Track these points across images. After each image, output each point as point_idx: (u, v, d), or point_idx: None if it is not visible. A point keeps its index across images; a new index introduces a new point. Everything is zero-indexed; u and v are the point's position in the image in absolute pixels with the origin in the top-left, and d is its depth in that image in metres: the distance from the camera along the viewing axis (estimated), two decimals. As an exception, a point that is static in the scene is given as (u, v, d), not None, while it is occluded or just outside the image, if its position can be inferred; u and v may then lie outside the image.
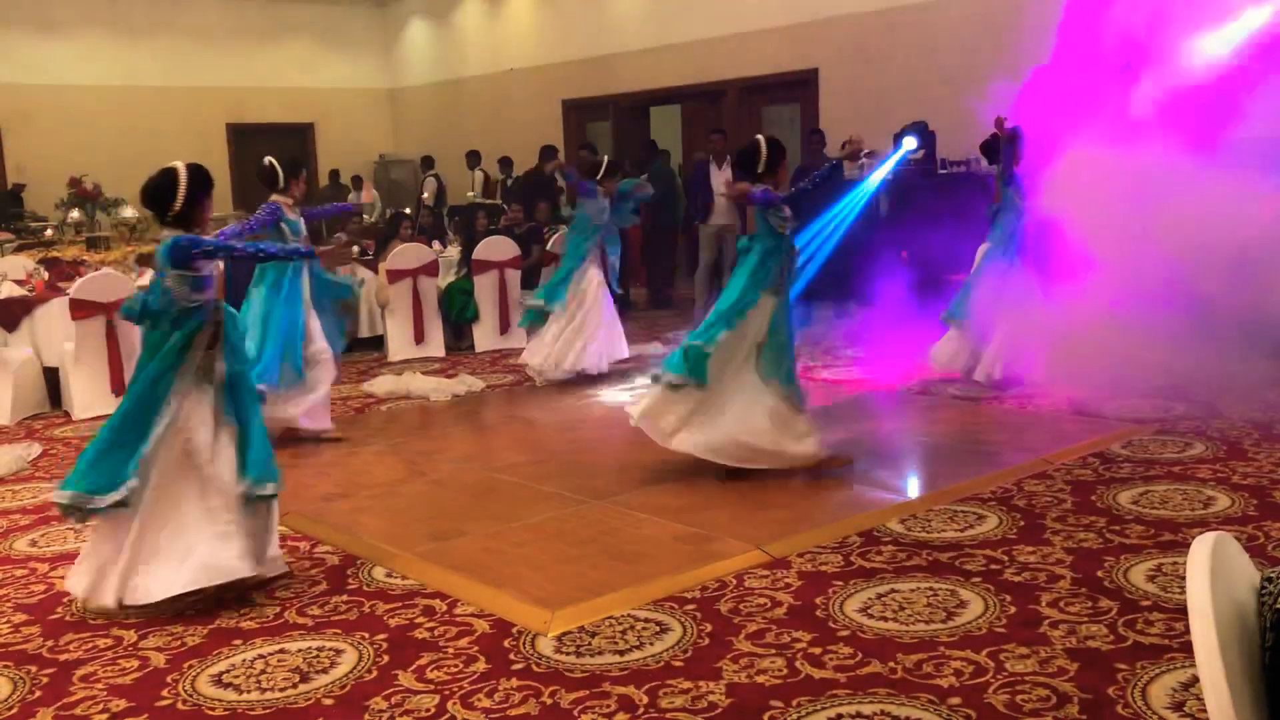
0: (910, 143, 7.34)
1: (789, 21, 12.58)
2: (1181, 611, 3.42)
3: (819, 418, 6.38)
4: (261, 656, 3.72)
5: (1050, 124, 6.73)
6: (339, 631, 3.89)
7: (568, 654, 3.62)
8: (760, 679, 3.38)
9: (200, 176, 4.30)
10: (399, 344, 9.55)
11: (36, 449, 6.72)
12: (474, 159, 15.24)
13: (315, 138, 17.64)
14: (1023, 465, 5.50)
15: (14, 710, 3.41)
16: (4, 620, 4.13)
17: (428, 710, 3.29)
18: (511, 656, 3.62)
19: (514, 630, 3.82)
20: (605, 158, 8.89)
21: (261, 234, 6.27)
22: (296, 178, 6.76)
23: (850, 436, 6.51)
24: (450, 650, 3.69)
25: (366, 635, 3.84)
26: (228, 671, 3.61)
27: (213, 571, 4.05)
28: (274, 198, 6.61)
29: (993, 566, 4.20)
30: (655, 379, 5.55)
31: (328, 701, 3.38)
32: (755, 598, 4.01)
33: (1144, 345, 6.42)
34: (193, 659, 3.72)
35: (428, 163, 16.33)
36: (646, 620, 3.86)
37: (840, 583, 4.11)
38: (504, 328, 9.94)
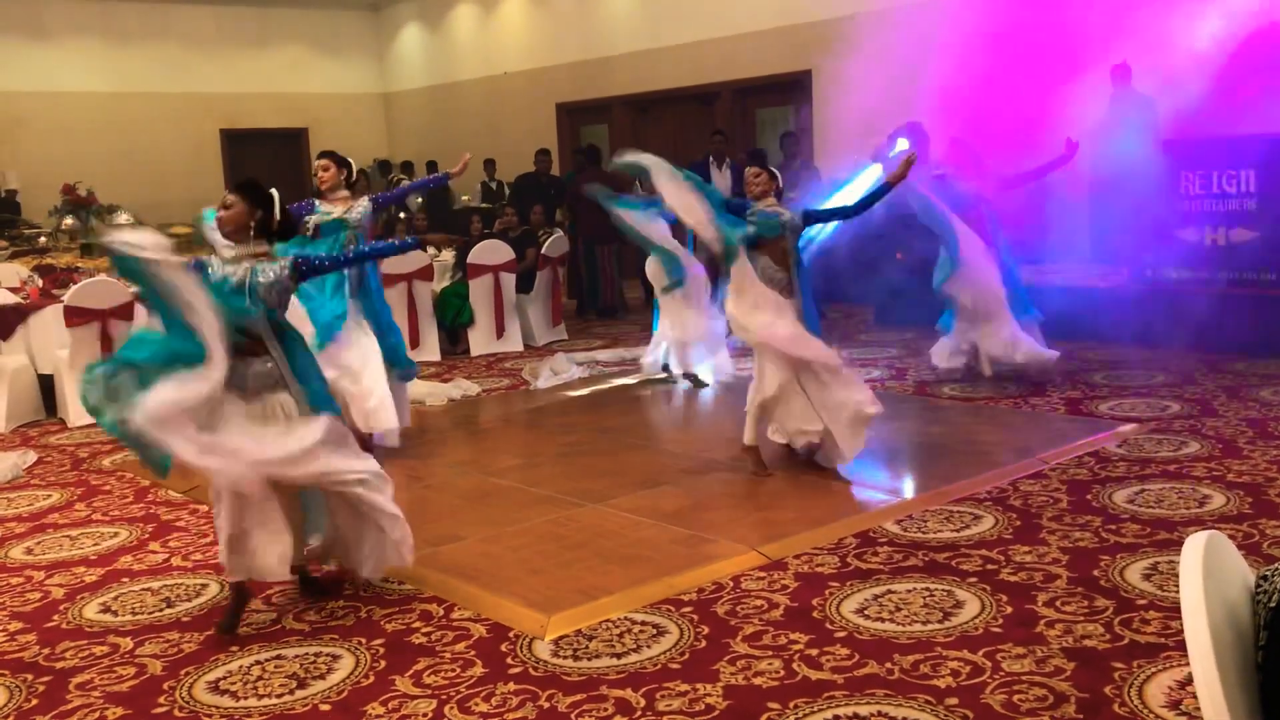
0: (903, 144, 7.33)
1: (782, 23, 12.59)
2: (1178, 610, 3.42)
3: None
4: (258, 662, 3.71)
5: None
6: (336, 637, 3.89)
7: (565, 657, 3.62)
8: (757, 681, 3.38)
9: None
10: (394, 349, 9.54)
11: (32, 456, 6.71)
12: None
13: (309, 143, 17.63)
14: (1018, 465, 5.50)
15: (10, 719, 3.40)
16: (0, 629, 4.12)
17: (425, 715, 3.29)
18: (509, 660, 3.62)
19: (511, 634, 3.82)
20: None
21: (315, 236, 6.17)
22: (316, 172, 6.49)
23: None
24: (447, 655, 3.69)
25: (363, 640, 3.84)
26: (224, 678, 3.61)
27: None
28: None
29: (989, 566, 4.20)
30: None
31: (325, 707, 3.38)
32: (752, 599, 4.01)
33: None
34: (189, 665, 3.72)
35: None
36: (643, 623, 3.86)
37: (837, 584, 4.12)
38: (499, 332, 9.93)
